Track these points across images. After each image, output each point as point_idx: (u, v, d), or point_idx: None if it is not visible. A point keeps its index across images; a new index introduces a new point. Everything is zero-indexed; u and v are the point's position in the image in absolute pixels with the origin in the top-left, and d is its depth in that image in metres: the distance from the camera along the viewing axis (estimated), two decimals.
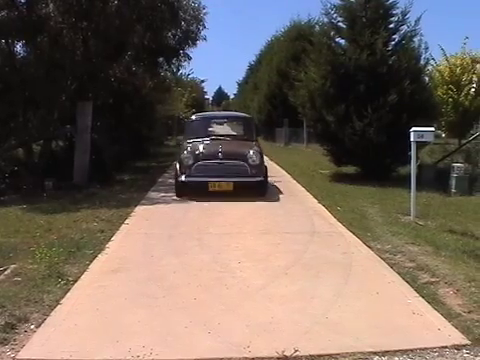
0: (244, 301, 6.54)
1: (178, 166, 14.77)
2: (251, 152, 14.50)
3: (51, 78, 17.26)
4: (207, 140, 15.69)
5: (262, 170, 14.54)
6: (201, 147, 15.02)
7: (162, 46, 22.39)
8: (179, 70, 28.73)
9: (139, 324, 5.83)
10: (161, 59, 24.29)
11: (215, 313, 6.12)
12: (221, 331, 5.63)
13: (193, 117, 18.56)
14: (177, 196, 14.37)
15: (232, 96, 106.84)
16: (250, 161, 14.25)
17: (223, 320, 5.92)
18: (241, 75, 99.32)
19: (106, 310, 6.27)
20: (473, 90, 25.73)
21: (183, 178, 14.23)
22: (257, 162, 14.36)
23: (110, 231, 10.31)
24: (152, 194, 15.45)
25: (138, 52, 22.19)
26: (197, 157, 14.42)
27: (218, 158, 14.25)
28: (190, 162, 14.27)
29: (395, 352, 5.16)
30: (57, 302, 6.47)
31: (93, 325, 5.84)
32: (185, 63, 25.89)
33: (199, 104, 67.15)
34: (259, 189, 14.18)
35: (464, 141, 19.99)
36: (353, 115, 16.85)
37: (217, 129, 19.42)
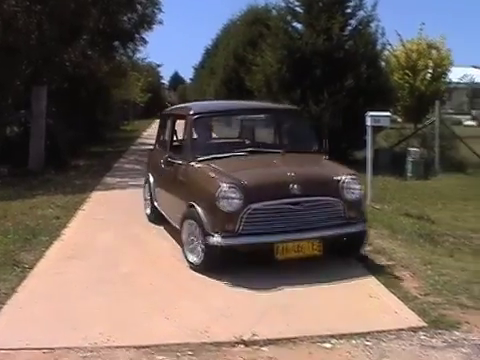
0: (202, 287, 6.53)
1: (201, 212, 7.05)
2: (345, 177, 7.36)
3: (5, 62, 16.93)
4: (242, 156, 8.16)
5: (363, 209, 7.94)
6: (250, 172, 7.62)
7: (118, 30, 22.23)
8: (135, 54, 28.67)
9: (97, 311, 5.78)
10: (117, 43, 24.11)
11: (173, 299, 6.12)
12: (179, 317, 5.63)
13: (192, 111, 8.73)
14: (207, 269, 6.98)
15: (188, 81, 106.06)
16: (347, 195, 7.28)
17: (181, 306, 5.92)
18: (197, 60, 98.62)
19: (63, 297, 6.21)
20: (429, 75, 25.93)
21: (220, 240, 6.79)
22: (358, 195, 7.46)
23: (66, 217, 10.20)
24: (108, 179, 15.34)
25: (93, 36, 21.96)
26: (251, 194, 6.85)
27: (290, 193, 6.99)
28: (236, 205, 6.80)
29: (352, 335, 5.21)
30: (13, 290, 6.38)
31: (50, 313, 5.77)
32: (141, 47, 25.87)
33: (155, 88, 66.98)
34: (356, 245, 7.69)
35: (420, 126, 20.20)
36: (309, 99, 16.85)
37: (247, 134, 9.92)
